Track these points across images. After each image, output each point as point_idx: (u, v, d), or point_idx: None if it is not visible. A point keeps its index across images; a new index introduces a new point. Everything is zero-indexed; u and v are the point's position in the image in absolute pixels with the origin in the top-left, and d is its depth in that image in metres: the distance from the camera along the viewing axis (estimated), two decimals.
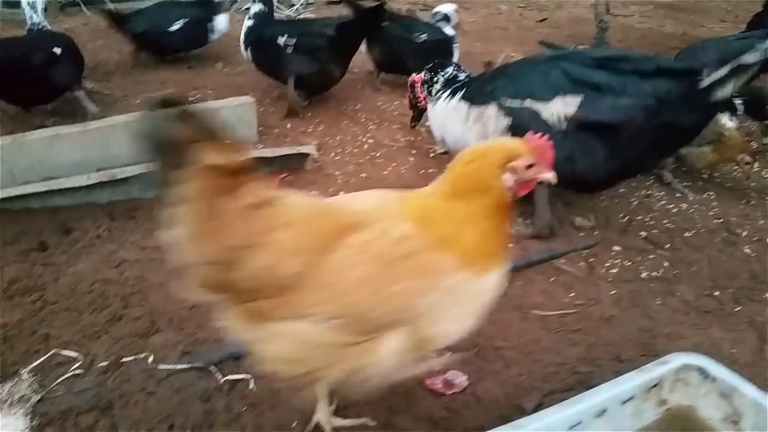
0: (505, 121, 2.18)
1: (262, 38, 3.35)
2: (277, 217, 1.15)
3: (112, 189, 2.18)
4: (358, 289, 1.15)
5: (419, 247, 1.17)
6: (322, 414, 1.40)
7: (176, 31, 3.82)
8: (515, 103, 2.16)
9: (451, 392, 1.56)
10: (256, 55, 3.42)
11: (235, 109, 2.82)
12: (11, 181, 2.33)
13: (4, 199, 1.97)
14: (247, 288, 1.14)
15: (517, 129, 2.10)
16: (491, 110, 2.21)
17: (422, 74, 2.67)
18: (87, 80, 3.50)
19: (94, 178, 2.11)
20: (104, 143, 2.50)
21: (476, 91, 2.33)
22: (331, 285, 1.15)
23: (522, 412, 1.48)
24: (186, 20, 3.82)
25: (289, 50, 3.22)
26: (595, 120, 2.00)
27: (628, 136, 1.97)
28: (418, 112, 2.77)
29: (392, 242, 1.17)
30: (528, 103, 2.13)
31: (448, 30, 3.71)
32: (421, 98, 2.68)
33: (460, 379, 1.59)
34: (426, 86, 2.61)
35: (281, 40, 3.22)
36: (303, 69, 3.23)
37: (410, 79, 2.72)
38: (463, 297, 1.21)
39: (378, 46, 3.73)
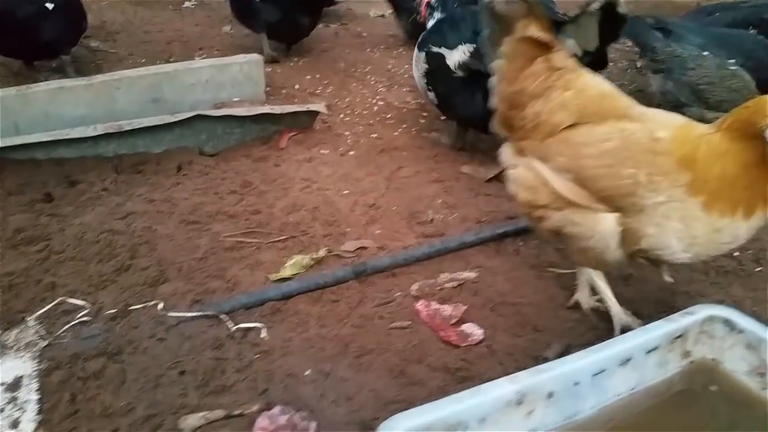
0: (424, 66, 2.38)
1: None
2: (564, 81, 1.45)
3: (118, 142, 2.13)
4: (598, 158, 1.36)
5: (671, 153, 1.29)
6: (583, 294, 1.64)
7: None
8: (434, 50, 2.31)
9: (465, 344, 1.53)
10: (233, 5, 3.44)
11: (243, 66, 2.76)
12: (15, 133, 2.29)
13: (9, 149, 1.92)
14: (520, 126, 1.49)
15: (430, 73, 2.38)
16: (421, 55, 2.37)
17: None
18: (91, 39, 3.43)
19: (100, 129, 2.05)
20: (109, 98, 2.45)
21: (422, 37, 2.47)
22: (577, 145, 1.40)
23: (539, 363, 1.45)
24: None
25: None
26: (475, 68, 2.14)
27: None
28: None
29: (650, 138, 1.32)
30: (441, 50, 2.28)
31: None
32: (423, 17, 2.72)
33: (476, 332, 1.56)
34: (428, 12, 2.63)
35: None
36: (271, 18, 3.26)
37: None
38: (690, 222, 1.29)
39: (403, 15, 3.69)
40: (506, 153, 1.57)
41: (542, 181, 1.44)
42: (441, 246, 1.86)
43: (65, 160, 2.06)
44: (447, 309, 1.64)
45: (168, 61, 3.24)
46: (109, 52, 3.28)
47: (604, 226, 1.37)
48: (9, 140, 1.92)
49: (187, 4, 4.49)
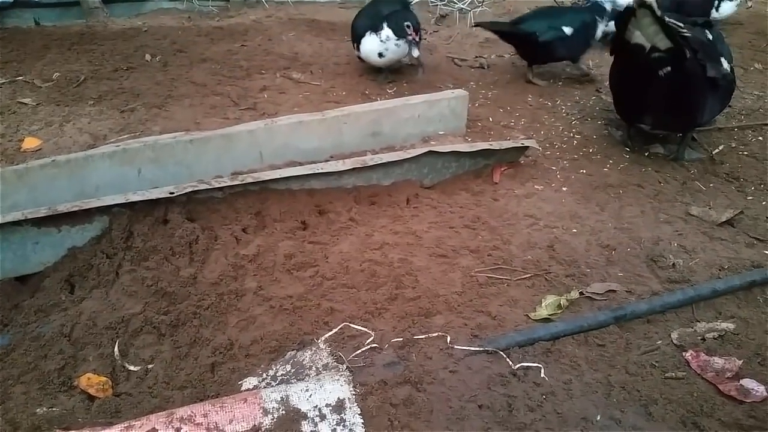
0: None
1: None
2: None
3: (358, 175, 2.29)
4: None
5: None
6: None
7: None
8: None
9: (749, 400, 1.51)
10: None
11: (450, 102, 2.88)
12: (260, 162, 2.53)
13: (272, 180, 2.13)
14: None
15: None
16: None
17: None
18: (292, 71, 3.71)
19: (348, 164, 2.22)
20: (338, 131, 2.64)
21: None
22: None
23: None
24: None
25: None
26: None
27: None
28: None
29: None
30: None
31: None
32: None
33: (757, 388, 1.54)
34: None
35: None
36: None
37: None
38: None
39: None
40: None
41: None
42: (694, 293, 1.84)
43: (315, 191, 2.24)
44: (718, 362, 1.62)
45: (364, 94, 3.44)
46: (311, 84, 3.52)
47: None
48: (277, 173, 2.12)
49: None
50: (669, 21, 2.37)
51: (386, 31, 3.35)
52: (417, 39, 3.35)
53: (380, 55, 3.44)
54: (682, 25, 2.42)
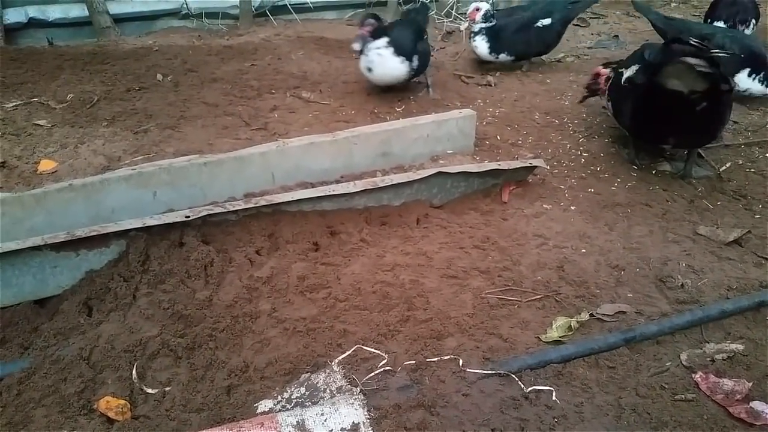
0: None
1: None
2: None
3: (369, 196, 2.33)
4: None
5: None
6: None
7: None
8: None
9: (760, 423, 1.52)
10: None
11: (458, 122, 2.92)
12: (272, 183, 2.57)
13: (285, 203, 2.17)
14: None
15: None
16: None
17: (608, 71, 3.11)
18: (302, 90, 3.76)
19: (359, 185, 2.26)
20: (348, 152, 2.68)
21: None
22: None
23: None
24: None
25: None
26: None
27: None
28: (590, 95, 3.33)
29: None
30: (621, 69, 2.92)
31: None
32: (602, 89, 3.17)
33: (767, 411, 1.55)
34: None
35: None
36: None
37: (596, 70, 3.23)
38: None
39: None
40: None
41: None
42: (703, 314, 1.86)
43: (326, 212, 2.27)
44: (728, 383, 1.64)
45: (373, 113, 3.48)
46: (321, 103, 3.57)
47: None
48: (289, 195, 2.16)
49: None
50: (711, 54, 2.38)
51: (375, 43, 3.32)
52: (364, 32, 3.28)
53: (369, 69, 3.44)
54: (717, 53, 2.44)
